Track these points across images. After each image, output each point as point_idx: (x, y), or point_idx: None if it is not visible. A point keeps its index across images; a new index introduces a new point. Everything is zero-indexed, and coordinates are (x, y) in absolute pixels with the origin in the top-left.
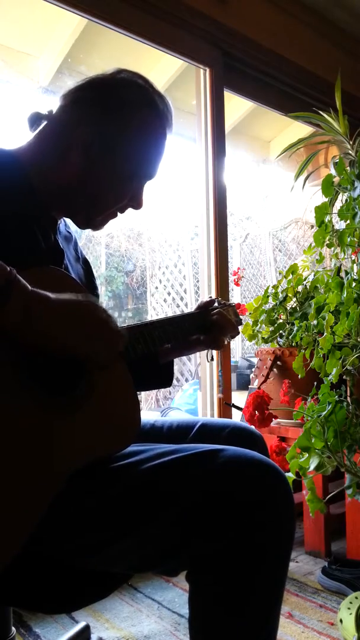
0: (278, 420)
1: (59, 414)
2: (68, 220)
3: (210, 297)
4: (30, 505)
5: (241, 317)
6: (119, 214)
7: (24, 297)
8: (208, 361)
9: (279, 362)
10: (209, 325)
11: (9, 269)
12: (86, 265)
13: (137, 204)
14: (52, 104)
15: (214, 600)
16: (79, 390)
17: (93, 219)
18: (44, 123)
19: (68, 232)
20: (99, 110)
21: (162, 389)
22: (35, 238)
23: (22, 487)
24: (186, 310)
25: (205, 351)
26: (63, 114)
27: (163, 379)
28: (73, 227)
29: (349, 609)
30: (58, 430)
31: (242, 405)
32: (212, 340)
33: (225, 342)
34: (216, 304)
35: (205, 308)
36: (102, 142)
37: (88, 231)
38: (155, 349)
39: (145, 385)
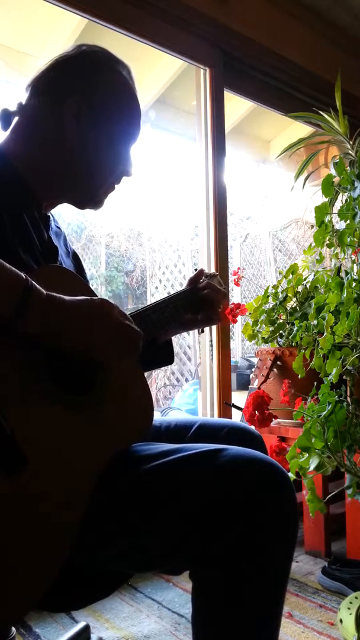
0: (278, 420)
1: (81, 412)
2: (73, 211)
3: (196, 269)
4: (67, 516)
5: (241, 317)
6: (116, 186)
7: (42, 304)
8: (199, 334)
9: (279, 362)
10: (200, 301)
11: (24, 276)
12: (76, 260)
13: (130, 167)
14: None
15: (216, 597)
16: (96, 386)
17: (96, 194)
18: (17, 118)
19: (57, 227)
20: (74, 79)
21: (163, 389)
22: (29, 235)
23: (58, 492)
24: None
25: None
26: (38, 101)
27: (165, 358)
28: (62, 221)
29: (348, 609)
30: (83, 428)
31: (242, 405)
32: (207, 318)
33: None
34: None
35: (195, 282)
36: (89, 106)
37: (88, 231)
38: (156, 333)
39: (147, 367)
